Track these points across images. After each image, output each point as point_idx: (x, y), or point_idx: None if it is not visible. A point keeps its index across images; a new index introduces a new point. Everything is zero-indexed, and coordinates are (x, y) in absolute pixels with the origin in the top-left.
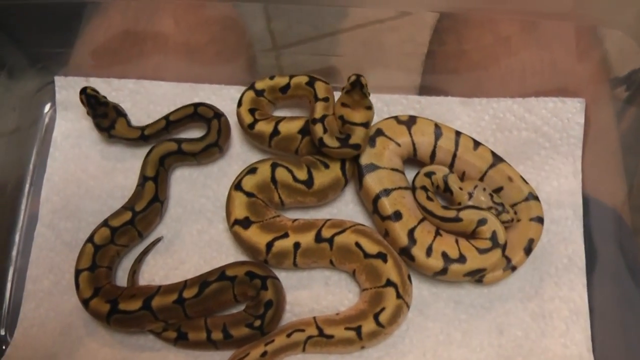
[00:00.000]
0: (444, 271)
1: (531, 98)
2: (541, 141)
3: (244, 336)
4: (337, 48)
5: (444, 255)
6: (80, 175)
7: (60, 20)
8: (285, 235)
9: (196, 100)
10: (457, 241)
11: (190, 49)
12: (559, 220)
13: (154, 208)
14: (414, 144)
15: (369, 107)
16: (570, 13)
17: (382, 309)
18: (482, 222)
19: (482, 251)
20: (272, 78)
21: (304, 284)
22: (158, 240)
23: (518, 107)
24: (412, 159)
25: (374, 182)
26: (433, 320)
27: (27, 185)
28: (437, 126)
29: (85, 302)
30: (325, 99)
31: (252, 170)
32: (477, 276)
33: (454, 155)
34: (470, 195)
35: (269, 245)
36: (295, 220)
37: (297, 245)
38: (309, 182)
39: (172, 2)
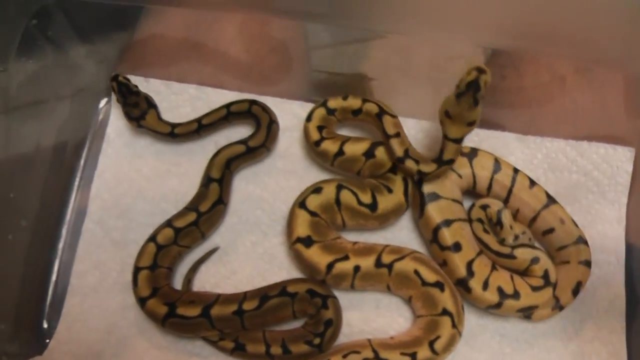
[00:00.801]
0: (498, 305)
1: (583, 142)
2: (590, 185)
3: (302, 353)
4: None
5: (500, 290)
6: (132, 175)
7: (123, 19)
8: (346, 258)
9: None
10: (512, 277)
11: (249, 58)
12: (602, 264)
13: (218, 210)
14: (474, 177)
15: (472, 123)
16: (620, 60)
17: (438, 337)
18: (535, 260)
19: (535, 289)
20: (345, 98)
21: (354, 305)
22: (214, 250)
23: (570, 149)
24: (469, 190)
25: (435, 211)
26: (479, 351)
27: (77, 180)
28: (496, 160)
29: (142, 301)
30: (397, 135)
31: (317, 189)
32: (528, 312)
33: (510, 191)
34: (516, 237)
35: (330, 266)
36: (355, 243)
37: (357, 268)
38: (373, 206)
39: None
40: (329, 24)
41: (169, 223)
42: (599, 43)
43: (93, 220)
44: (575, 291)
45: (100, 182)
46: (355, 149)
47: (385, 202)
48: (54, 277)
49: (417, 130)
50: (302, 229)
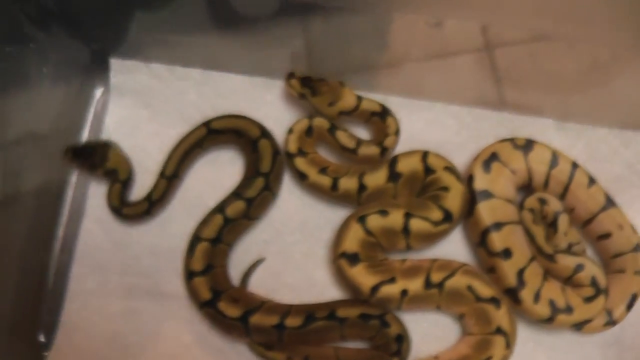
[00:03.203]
0: (550, 320)
1: (628, 131)
2: (634, 179)
3: None
4: None
5: (551, 303)
6: (135, 168)
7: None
8: (393, 280)
9: (269, 97)
10: (562, 289)
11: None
12: None
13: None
14: (529, 173)
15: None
16: None
17: (489, 358)
18: (579, 268)
19: (587, 300)
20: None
21: None
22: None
23: (613, 138)
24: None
25: (486, 212)
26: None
27: (74, 176)
28: (554, 154)
29: (190, 275)
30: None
31: (382, 212)
32: (580, 326)
33: (566, 188)
34: (570, 246)
35: (375, 288)
36: (403, 261)
37: (404, 292)
38: (449, 217)
39: None
40: None
41: (237, 195)
42: None
43: (92, 220)
44: (630, 305)
45: None
46: (377, 179)
47: (453, 202)
48: (50, 283)
49: (483, 119)
50: (351, 244)
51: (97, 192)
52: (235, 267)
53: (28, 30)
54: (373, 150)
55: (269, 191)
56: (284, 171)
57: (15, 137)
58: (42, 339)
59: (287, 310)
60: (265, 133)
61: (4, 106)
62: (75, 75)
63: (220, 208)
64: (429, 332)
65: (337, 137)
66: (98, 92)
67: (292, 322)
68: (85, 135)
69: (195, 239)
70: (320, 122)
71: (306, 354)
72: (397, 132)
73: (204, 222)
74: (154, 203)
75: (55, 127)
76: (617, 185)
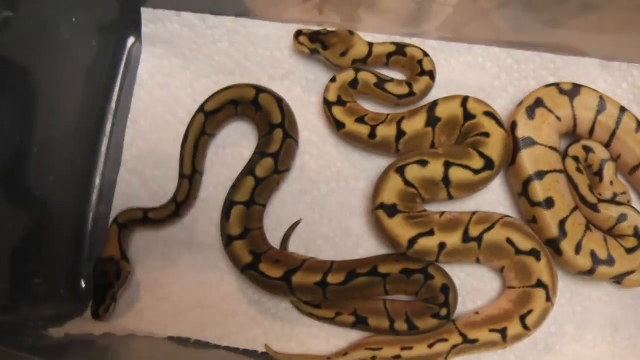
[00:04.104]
0: (590, 272)
1: None
2: None
3: (431, 327)
4: None
5: (592, 254)
6: (169, 119)
7: None
8: (431, 233)
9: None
10: (605, 239)
11: None
12: None
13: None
14: (575, 119)
15: None
16: None
17: (530, 311)
18: (622, 218)
19: (629, 250)
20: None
21: None
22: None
23: None
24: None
25: (529, 160)
26: None
27: (109, 125)
28: (601, 98)
29: (229, 239)
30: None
31: (421, 161)
32: (620, 278)
33: (613, 134)
34: (615, 195)
35: (412, 241)
36: (442, 213)
37: (442, 245)
38: (490, 164)
39: None
40: None
41: (261, 154)
42: None
43: (128, 169)
44: None
45: (134, 128)
46: (415, 124)
47: (494, 148)
48: (89, 232)
49: (525, 61)
50: (390, 195)
51: (132, 142)
52: (271, 219)
53: None
54: (423, 81)
55: (291, 138)
56: (294, 116)
57: (49, 89)
58: (83, 284)
59: (329, 267)
60: (260, 88)
61: (37, 56)
62: (107, 25)
63: (249, 170)
64: (471, 285)
65: (388, 89)
66: (130, 42)
67: (334, 278)
68: (116, 86)
69: (229, 204)
70: (366, 76)
71: (355, 308)
72: (425, 54)
73: (235, 185)
74: (180, 204)
75: (89, 77)
76: None
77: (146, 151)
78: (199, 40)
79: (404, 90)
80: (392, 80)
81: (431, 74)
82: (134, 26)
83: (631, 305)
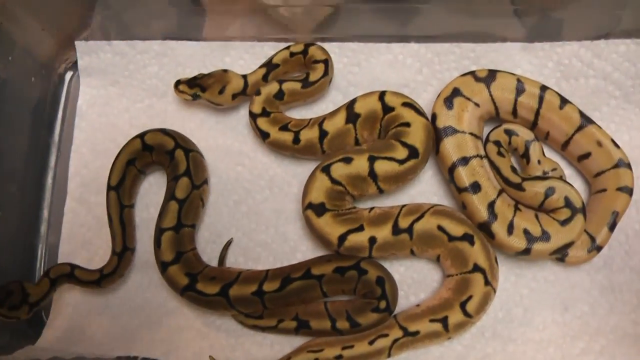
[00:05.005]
0: (527, 251)
1: (600, 41)
2: (611, 89)
3: (372, 322)
4: None
5: (526, 232)
6: (108, 145)
7: None
8: (361, 228)
9: (227, 60)
10: (537, 216)
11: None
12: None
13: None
14: (495, 104)
15: None
16: None
17: (469, 297)
18: (550, 191)
19: (564, 222)
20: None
21: None
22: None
23: (585, 51)
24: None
25: (452, 147)
26: None
27: (53, 158)
28: (519, 80)
29: (164, 266)
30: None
31: (346, 159)
32: (561, 254)
33: (537, 114)
34: (545, 173)
35: (342, 238)
36: (371, 209)
37: (373, 239)
38: (414, 153)
39: None
40: None
41: (175, 178)
42: None
43: (74, 199)
44: (612, 225)
45: (77, 158)
46: (336, 123)
47: (416, 136)
48: (40, 262)
49: (445, 54)
50: (317, 194)
51: (77, 171)
52: (210, 231)
53: None
54: (319, 69)
55: (192, 152)
56: (181, 134)
57: None
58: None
59: (264, 276)
60: (144, 133)
61: None
62: (45, 61)
63: (170, 195)
64: (411, 278)
65: (312, 80)
66: (68, 76)
67: (270, 286)
68: (58, 119)
69: (159, 231)
70: (291, 85)
71: (296, 314)
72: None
73: (161, 213)
74: (104, 277)
75: (32, 113)
76: (595, 98)
77: (90, 179)
78: (130, 67)
79: (319, 74)
80: (292, 80)
81: (326, 64)
82: (71, 60)
83: (579, 282)
